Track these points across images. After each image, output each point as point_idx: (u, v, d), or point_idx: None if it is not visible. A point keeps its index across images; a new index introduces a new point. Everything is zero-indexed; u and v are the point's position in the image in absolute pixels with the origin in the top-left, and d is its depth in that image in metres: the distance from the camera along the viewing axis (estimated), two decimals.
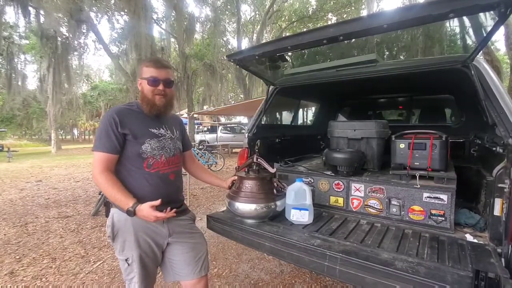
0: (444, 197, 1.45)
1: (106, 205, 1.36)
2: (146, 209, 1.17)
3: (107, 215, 1.32)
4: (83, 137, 37.89)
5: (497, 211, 1.29)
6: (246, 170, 1.65)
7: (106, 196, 1.24)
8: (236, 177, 1.68)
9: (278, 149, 2.50)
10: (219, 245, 3.02)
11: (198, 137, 15.15)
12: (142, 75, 1.31)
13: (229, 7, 15.88)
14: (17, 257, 2.80)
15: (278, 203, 1.61)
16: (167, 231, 1.35)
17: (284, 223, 1.61)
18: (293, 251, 1.32)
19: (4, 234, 3.42)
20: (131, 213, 1.17)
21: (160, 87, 1.29)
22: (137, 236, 1.27)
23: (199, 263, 1.43)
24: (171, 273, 1.42)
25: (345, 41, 1.39)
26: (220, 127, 15.42)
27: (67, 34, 7.16)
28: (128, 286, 1.31)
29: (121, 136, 1.24)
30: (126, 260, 1.28)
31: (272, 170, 1.65)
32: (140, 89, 1.33)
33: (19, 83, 14.67)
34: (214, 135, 15.08)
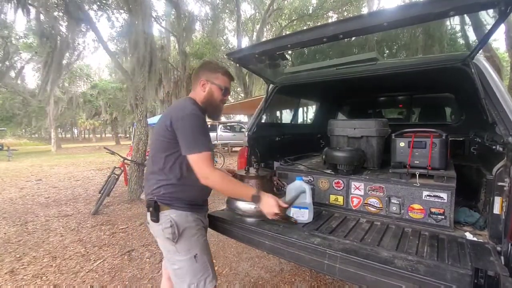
0: (444, 195, 1.45)
1: (156, 209, 1.28)
2: (274, 200, 1.26)
3: (157, 220, 1.24)
4: (82, 136, 37.89)
5: (496, 210, 1.29)
6: (245, 169, 1.65)
7: (227, 192, 1.29)
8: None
9: (278, 147, 2.49)
10: (219, 244, 3.02)
11: None
12: (215, 81, 1.33)
13: (228, 5, 15.80)
14: (18, 255, 2.81)
15: None
16: (207, 224, 1.48)
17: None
18: (293, 249, 1.32)
19: (4, 233, 3.43)
20: (258, 198, 1.25)
21: (226, 97, 1.40)
22: (198, 229, 1.32)
23: None
24: None
25: (345, 40, 1.39)
26: (220, 126, 15.40)
27: (66, 33, 7.12)
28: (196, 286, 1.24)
29: None
30: (194, 256, 1.25)
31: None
32: (206, 90, 1.33)
33: (18, 81, 14.62)
34: (214, 134, 15.07)
